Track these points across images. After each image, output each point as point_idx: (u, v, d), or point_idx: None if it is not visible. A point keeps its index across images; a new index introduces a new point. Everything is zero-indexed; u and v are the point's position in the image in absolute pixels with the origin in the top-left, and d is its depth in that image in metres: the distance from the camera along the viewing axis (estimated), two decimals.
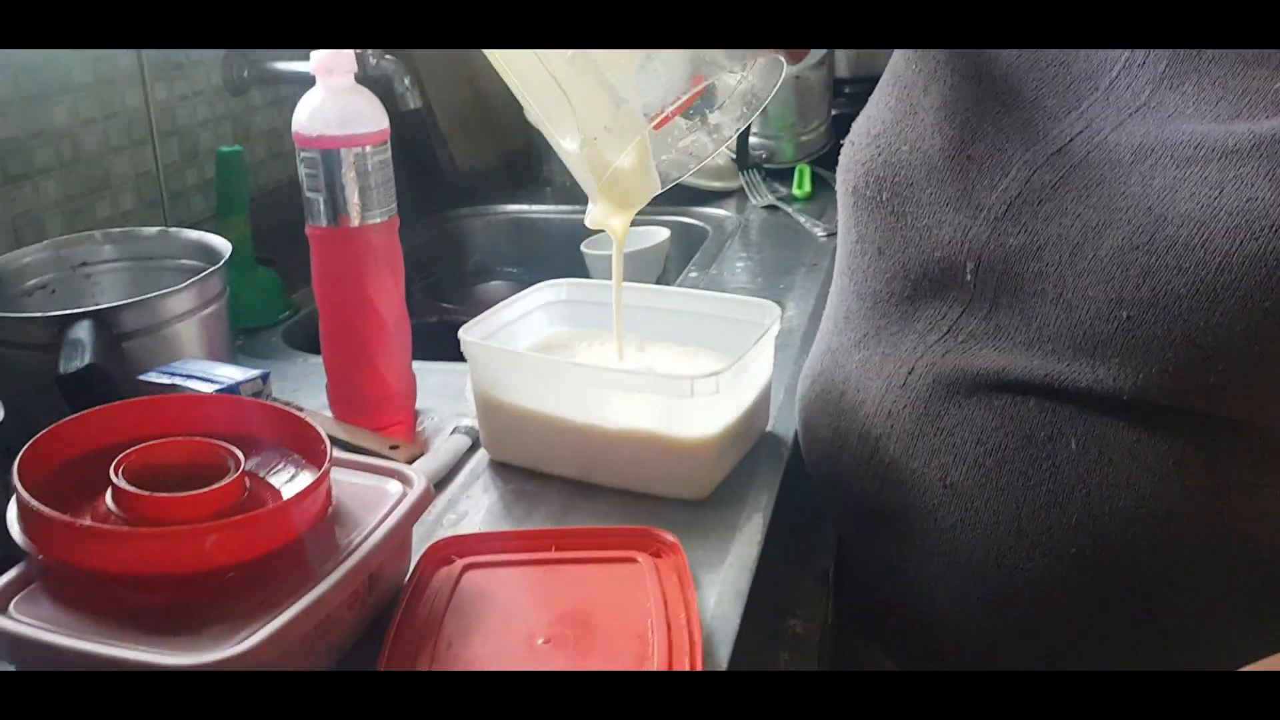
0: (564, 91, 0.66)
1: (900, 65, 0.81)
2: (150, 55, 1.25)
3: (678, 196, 1.66)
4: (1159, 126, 0.67)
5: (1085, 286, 0.66)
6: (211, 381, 0.82)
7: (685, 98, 0.68)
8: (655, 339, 0.95)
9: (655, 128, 0.70)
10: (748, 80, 0.71)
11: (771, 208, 1.63)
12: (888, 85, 0.82)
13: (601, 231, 1.44)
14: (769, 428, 0.93)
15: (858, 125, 0.83)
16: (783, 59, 0.70)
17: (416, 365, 0.98)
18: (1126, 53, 0.71)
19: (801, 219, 1.56)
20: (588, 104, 0.67)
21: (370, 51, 1.38)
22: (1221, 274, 0.62)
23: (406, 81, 1.38)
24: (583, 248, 1.43)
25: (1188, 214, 0.63)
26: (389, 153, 0.90)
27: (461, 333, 0.85)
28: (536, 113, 0.73)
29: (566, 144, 0.69)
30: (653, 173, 0.72)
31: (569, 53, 0.65)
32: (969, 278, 0.72)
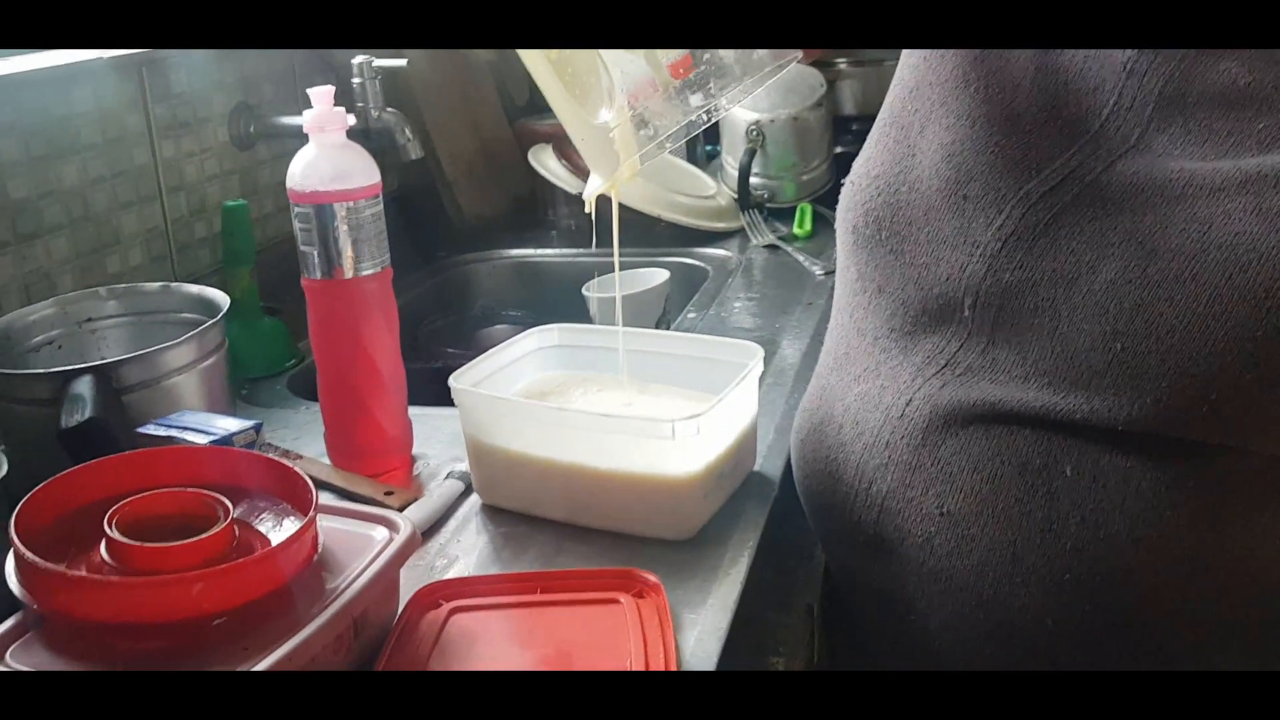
0: (605, 65, 0.67)
1: (897, 107, 0.83)
2: (158, 114, 1.28)
3: (680, 238, 1.68)
4: (1148, 166, 0.69)
5: (1080, 320, 0.68)
6: (206, 433, 0.84)
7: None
8: (652, 380, 0.97)
9: (675, 76, 0.72)
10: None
11: (772, 247, 1.65)
12: (885, 126, 0.84)
13: (599, 275, 1.47)
14: (756, 467, 0.94)
15: (857, 166, 0.85)
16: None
17: (418, 411, 1.00)
18: (1115, 96, 0.73)
19: (801, 258, 1.58)
20: (632, 76, 0.68)
21: (372, 104, 1.42)
22: (1212, 305, 0.64)
23: (408, 133, 1.41)
24: (584, 290, 1.45)
25: (1178, 248, 0.66)
26: (381, 205, 0.92)
27: (451, 379, 0.87)
28: (559, 91, 0.73)
29: (600, 116, 0.70)
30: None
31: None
32: (967, 313, 0.74)
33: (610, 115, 0.73)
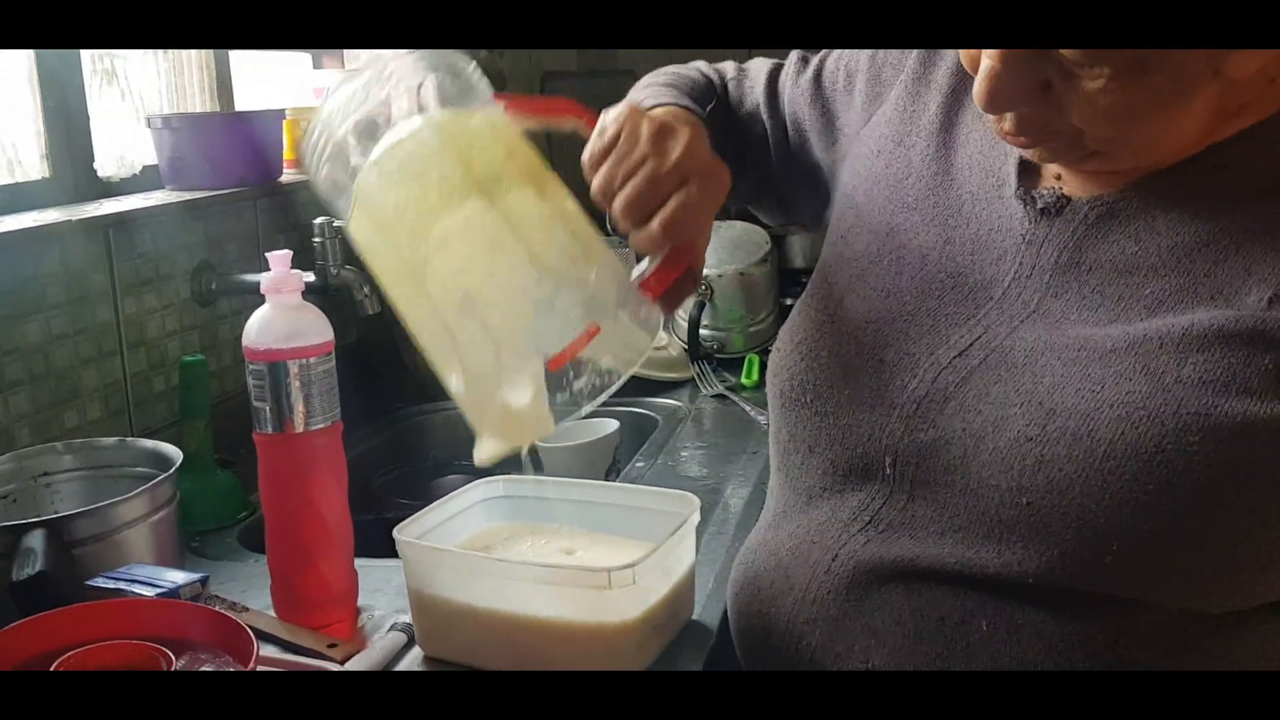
0: (451, 333, 0.72)
1: (817, 280, 0.90)
2: (123, 272, 1.33)
3: (631, 387, 1.73)
4: (1047, 331, 0.75)
5: (988, 476, 0.73)
6: (154, 585, 0.86)
7: (582, 337, 0.74)
8: (595, 530, 1.00)
9: (551, 368, 0.76)
10: (633, 329, 0.77)
11: (720, 396, 1.70)
12: (807, 298, 0.90)
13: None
14: (695, 616, 0.96)
15: (783, 333, 0.91)
16: (660, 315, 0.77)
17: (367, 563, 1.02)
18: (1016, 265, 0.79)
19: (748, 407, 1.63)
20: (472, 348, 0.72)
21: (331, 262, 1.47)
22: (1107, 461, 0.68)
23: (366, 290, 1.46)
24: (535, 441, 1.49)
25: (1074, 407, 0.70)
26: (333, 361, 0.96)
27: (396, 531, 0.90)
28: (430, 355, 0.77)
29: (452, 384, 0.74)
30: (545, 412, 0.76)
31: (459, 296, 0.72)
32: (889, 471, 0.79)
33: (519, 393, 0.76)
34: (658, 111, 0.87)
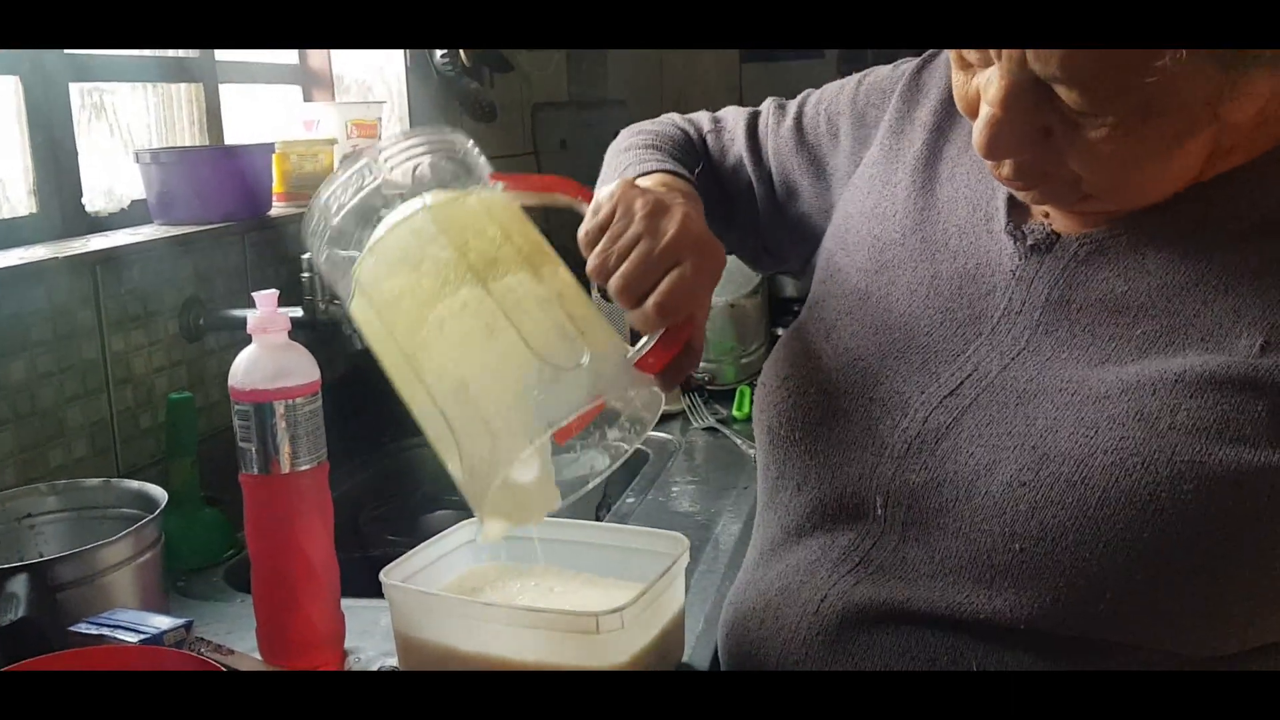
0: (448, 420, 0.72)
1: (803, 316, 0.89)
2: (110, 308, 1.32)
3: None
4: (1039, 369, 0.75)
5: (981, 520, 0.72)
6: (137, 631, 0.85)
7: (585, 412, 0.74)
8: (584, 571, 0.99)
9: (558, 441, 0.76)
10: (635, 405, 0.78)
11: (712, 429, 1.70)
12: (796, 332, 0.90)
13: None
14: (685, 658, 0.96)
15: (768, 368, 0.90)
16: (660, 392, 0.77)
17: (354, 603, 1.01)
18: (1006, 300, 0.79)
19: (739, 441, 1.62)
20: (469, 436, 0.72)
21: (320, 297, 1.47)
22: (1101, 508, 0.68)
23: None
24: None
25: (1067, 452, 0.70)
26: (319, 401, 0.96)
27: (382, 574, 0.89)
28: (431, 440, 0.77)
29: (453, 470, 0.74)
30: (551, 488, 0.77)
31: (454, 384, 0.71)
32: (880, 511, 0.78)
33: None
34: (651, 183, 0.86)
